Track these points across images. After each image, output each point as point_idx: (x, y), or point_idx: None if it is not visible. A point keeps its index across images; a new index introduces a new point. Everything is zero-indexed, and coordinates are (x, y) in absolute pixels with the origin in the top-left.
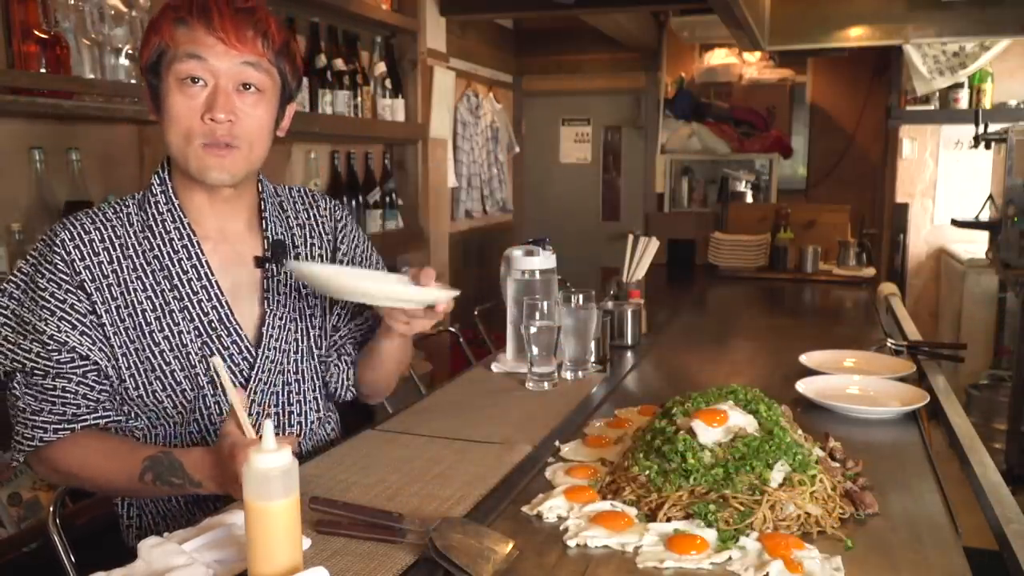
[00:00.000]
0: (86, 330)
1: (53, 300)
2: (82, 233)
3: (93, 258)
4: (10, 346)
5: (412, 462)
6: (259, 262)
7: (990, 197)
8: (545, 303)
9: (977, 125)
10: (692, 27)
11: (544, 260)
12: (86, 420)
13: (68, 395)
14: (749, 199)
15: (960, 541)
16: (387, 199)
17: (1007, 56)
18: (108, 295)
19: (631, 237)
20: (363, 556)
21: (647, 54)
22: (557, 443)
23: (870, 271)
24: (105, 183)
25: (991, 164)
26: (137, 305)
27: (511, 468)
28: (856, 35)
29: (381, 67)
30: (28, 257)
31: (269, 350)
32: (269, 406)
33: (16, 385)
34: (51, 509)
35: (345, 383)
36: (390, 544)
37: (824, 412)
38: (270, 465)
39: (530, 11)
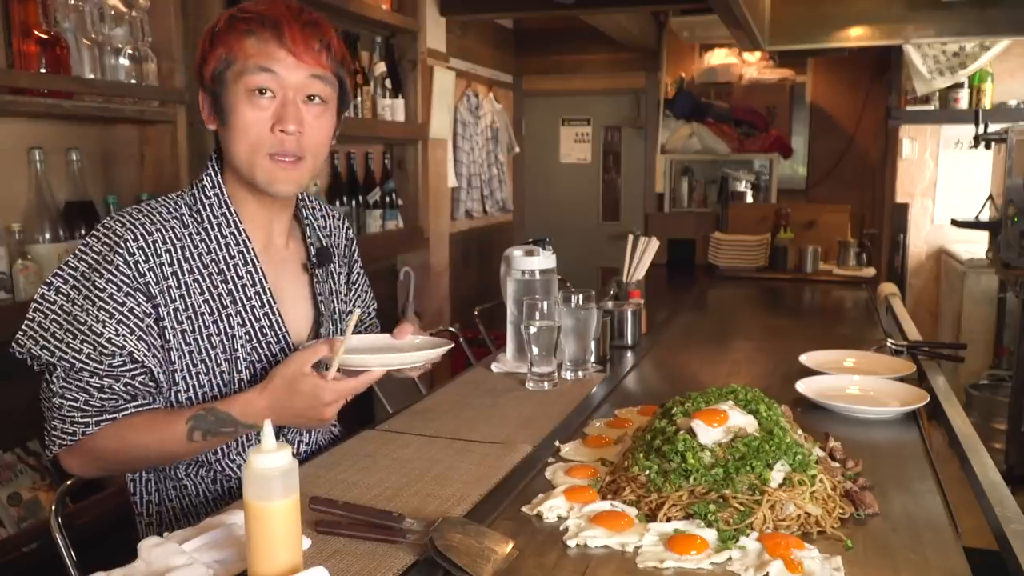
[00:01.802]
0: (143, 335)
1: (112, 302)
2: (145, 234)
3: (156, 259)
4: (56, 343)
5: (412, 462)
6: (306, 268)
7: (990, 197)
8: (545, 303)
9: (977, 125)
10: (692, 27)
11: (544, 260)
12: (127, 410)
13: (115, 392)
14: (749, 199)
15: (960, 541)
16: (387, 199)
17: (1007, 56)
18: (169, 297)
19: (631, 237)
20: (363, 556)
21: (647, 54)
22: (557, 443)
23: (870, 271)
24: (105, 183)
25: (991, 164)
26: (196, 308)
27: (511, 468)
28: (856, 35)
29: (381, 67)
30: (81, 253)
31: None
32: None
33: (55, 379)
34: (53, 508)
35: None
36: (390, 544)
37: (824, 412)
38: (270, 465)
39: (530, 11)
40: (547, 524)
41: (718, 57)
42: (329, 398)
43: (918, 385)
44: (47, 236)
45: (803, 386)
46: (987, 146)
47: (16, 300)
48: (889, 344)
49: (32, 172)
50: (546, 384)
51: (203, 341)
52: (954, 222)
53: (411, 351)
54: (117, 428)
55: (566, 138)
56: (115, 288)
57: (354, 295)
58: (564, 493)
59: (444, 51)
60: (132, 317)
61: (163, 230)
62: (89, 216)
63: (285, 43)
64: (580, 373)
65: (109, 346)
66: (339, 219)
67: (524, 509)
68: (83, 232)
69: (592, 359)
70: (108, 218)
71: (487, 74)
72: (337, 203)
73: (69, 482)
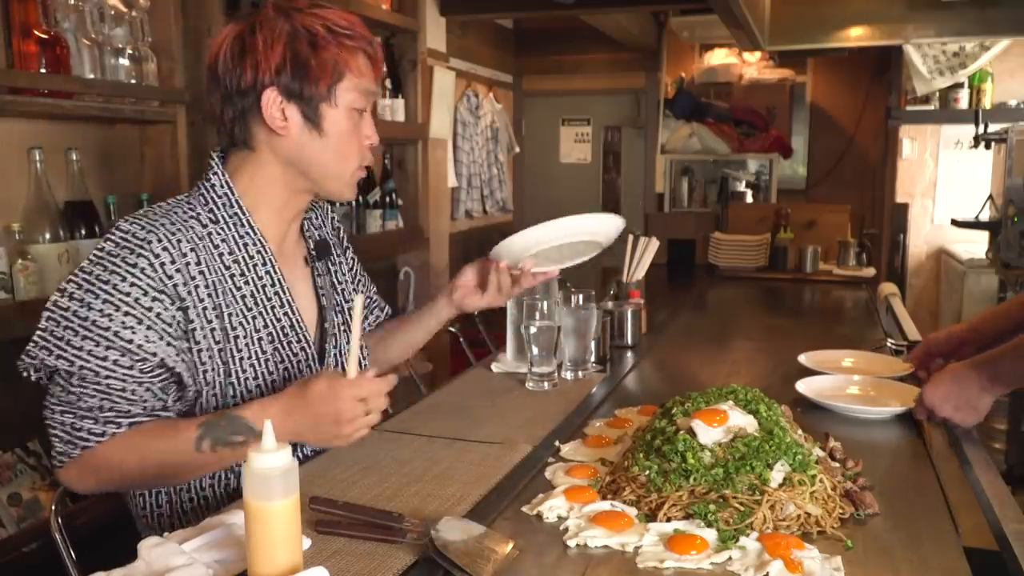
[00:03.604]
0: (172, 340)
1: (139, 307)
2: (168, 234)
3: (182, 259)
4: (75, 351)
5: (412, 462)
6: (308, 261)
7: (990, 197)
8: (545, 303)
9: (977, 125)
10: (692, 27)
11: None
12: (139, 419)
13: (135, 400)
14: (749, 199)
15: (960, 541)
16: (387, 199)
17: (1007, 56)
18: (197, 297)
19: (631, 237)
20: (363, 556)
21: (647, 54)
22: (557, 443)
23: (870, 271)
24: (105, 183)
25: (991, 164)
26: (224, 308)
27: (511, 468)
28: (856, 35)
29: None
30: (96, 258)
31: (331, 346)
32: None
33: (73, 386)
34: (52, 508)
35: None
36: (390, 544)
37: (824, 412)
38: (270, 465)
39: (530, 11)
40: (547, 524)
41: (718, 57)
42: (346, 393)
43: (918, 385)
44: (47, 236)
45: (803, 386)
46: (987, 146)
47: (16, 300)
48: (889, 344)
49: (32, 172)
50: (546, 384)
51: (230, 343)
52: (954, 222)
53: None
54: (122, 437)
55: (566, 138)
56: (140, 292)
57: (355, 280)
58: (564, 493)
59: (444, 51)
60: (160, 322)
61: (184, 229)
62: (89, 216)
63: (376, 63)
64: (580, 373)
65: (140, 352)
66: (324, 209)
67: (524, 509)
68: (83, 232)
69: (592, 359)
70: (122, 221)
71: (487, 74)
72: (337, 203)
73: None
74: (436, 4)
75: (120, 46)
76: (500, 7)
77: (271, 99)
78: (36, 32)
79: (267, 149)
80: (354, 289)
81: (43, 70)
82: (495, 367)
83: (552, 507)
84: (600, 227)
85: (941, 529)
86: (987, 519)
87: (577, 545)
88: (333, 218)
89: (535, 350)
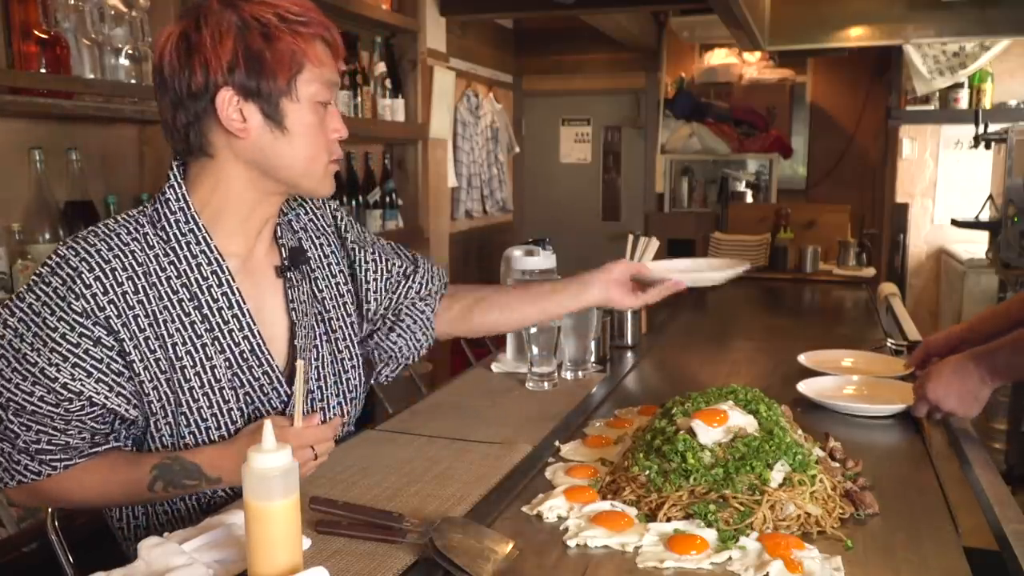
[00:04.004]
0: (103, 376)
1: (66, 343)
2: (101, 263)
3: (117, 289)
4: (4, 382)
5: (412, 462)
6: (280, 271)
7: (990, 197)
8: None
9: (977, 125)
10: (692, 27)
11: (544, 260)
12: (92, 453)
13: (78, 434)
14: (749, 199)
15: (960, 541)
16: (387, 199)
17: (1007, 56)
18: (136, 327)
19: (631, 237)
20: (363, 556)
21: (647, 54)
22: (557, 443)
23: (870, 271)
24: (105, 183)
25: (991, 164)
26: (167, 338)
27: (511, 468)
28: (856, 35)
29: (381, 67)
30: (32, 284)
31: (302, 359)
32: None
33: (10, 417)
34: (50, 511)
35: (416, 346)
36: (390, 544)
37: (824, 412)
38: (270, 465)
39: (530, 11)
40: (547, 524)
41: (718, 57)
42: (293, 443)
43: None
44: (47, 236)
45: (804, 386)
46: (987, 146)
47: None
48: (889, 344)
49: (32, 172)
50: (546, 384)
51: (176, 373)
52: (954, 222)
53: (707, 270)
54: (77, 471)
55: (566, 138)
56: (67, 328)
57: (383, 272)
58: (564, 493)
59: (444, 51)
60: (88, 359)
61: (122, 256)
62: (89, 216)
63: (338, 52)
64: (580, 373)
65: (64, 391)
66: (319, 201)
67: (524, 509)
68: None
69: (592, 359)
70: (62, 244)
71: (487, 74)
72: (337, 203)
73: None
74: (436, 4)
75: (120, 46)
76: (500, 7)
77: (226, 100)
78: (36, 32)
79: (228, 154)
80: (344, 295)
81: (43, 70)
82: (495, 367)
83: (552, 507)
84: (726, 276)
85: (941, 529)
86: (987, 519)
87: (577, 545)
88: (330, 206)
89: (535, 350)
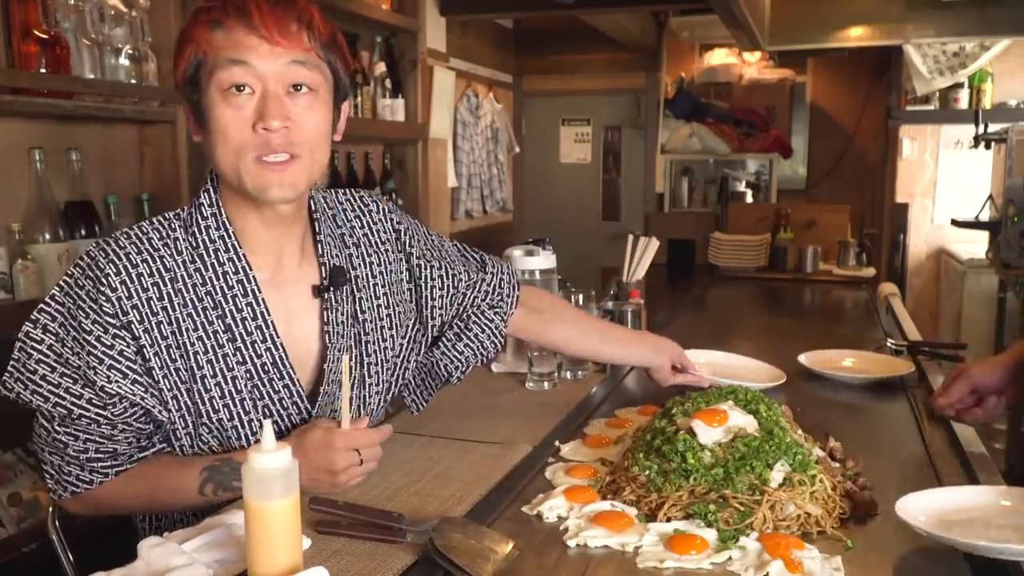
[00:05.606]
0: (137, 377)
1: (100, 346)
2: (129, 266)
3: (142, 295)
4: (51, 387)
5: (412, 462)
6: (317, 291)
7: (990, 197)
8: None
9: (977, 125)
10: (692, 27)
11: (544, 260)
12: (140, 457)
13: (125, 438)
14: (749, 199)
15: None
16: (387, 199)
17: (1007, 56)
18: (158, 335)
19: (631, 237)
20: (363, 556)
21: (647, 54)
22: (557, 443)
23: (870, 271)
24: (105, 183)
25: (991, 164)
26: (189, 347)
27: (511, 468)
28: (856, 35)
29: (381, 67)
30: (65, 285)
31: (329, 384)
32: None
33: (55, 427)
34: (50, 510)
35: (484, 354)
36: (390, 544)
37: (824, 412)
38: (270, 465)
39: (530, 11)
40: (547, 524)
41: (718, 57)
42: (340, 444)
43: (918, 385)
44: (47, 236)
45: (805, 358)
46: (987, 146)
47: (16, 300)
48: (889, 344)
49: (32, 172)
50: (546, 384)
51: (196, 383)
52: (954, 222)
53: (747, 374)
54: (127, 477)
55: (566, 138)
56: (101, 330)
57: (449, 288)
58: (564, 493)
59: (444, 51)
60: (123, 360)
61: (150, 260)
62: (89, 216)
63: (255, 28)
64: (580, 373)
65: (104, 394)
66: (379, 212)
67: (524, 509)
68: (83, 232)
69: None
70: (94, 244)
71: (487, 74)
72: (400, 214)
73: None
74: (436, 4)
75: (120, 46)
76: (500, 7)
77: (184, 108)
78: (36, 32)
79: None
80: (392, 316)
81: (43, 70)
82: (495, 367)
83: (552, 507)
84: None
85: None
86: None
87: (577, 545)
88: (395, 219)
89: (535, 350)
